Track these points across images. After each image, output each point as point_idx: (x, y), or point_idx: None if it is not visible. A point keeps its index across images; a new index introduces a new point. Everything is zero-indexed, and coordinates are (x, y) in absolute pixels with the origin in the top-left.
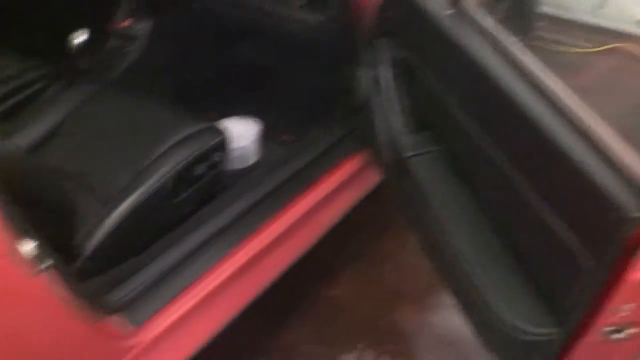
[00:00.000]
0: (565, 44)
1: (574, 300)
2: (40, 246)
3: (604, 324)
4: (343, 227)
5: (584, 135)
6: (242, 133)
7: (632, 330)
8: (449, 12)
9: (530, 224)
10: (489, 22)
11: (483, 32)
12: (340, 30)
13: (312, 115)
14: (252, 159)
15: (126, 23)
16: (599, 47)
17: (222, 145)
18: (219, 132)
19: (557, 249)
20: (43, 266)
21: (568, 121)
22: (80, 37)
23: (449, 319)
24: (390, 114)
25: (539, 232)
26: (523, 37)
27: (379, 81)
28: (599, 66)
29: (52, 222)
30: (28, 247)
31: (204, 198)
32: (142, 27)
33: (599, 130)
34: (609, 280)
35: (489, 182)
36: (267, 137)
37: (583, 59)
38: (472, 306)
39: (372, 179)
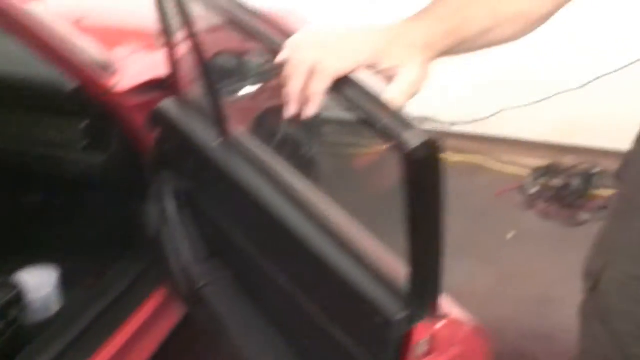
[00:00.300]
0: (356, 145)
1: None
2: None
3: None
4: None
5: (347, 248)
6: (39, 282)
7: None
8: (217, 142)
9: (317, 336)
10: (255, 147)
11: (249, 158)
12: (123, 167)
13: (110, 253)
14: (54, 307)
15: None
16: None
17: (17, 299)
18: (13, 286)
19: (342, 357)
20: None
21: (333, 237)
22: None
23: None
24: (180, 245)
25: (326, 343)
26: (311, 146)
27: (166, 213)
28: (388, 164)
29: None
30: None
31: (6, 355)
32: None
33: (362, 241)
34: None
35: (275, 300)
36: (67, 283)
37: (374, 159)
38: None
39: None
